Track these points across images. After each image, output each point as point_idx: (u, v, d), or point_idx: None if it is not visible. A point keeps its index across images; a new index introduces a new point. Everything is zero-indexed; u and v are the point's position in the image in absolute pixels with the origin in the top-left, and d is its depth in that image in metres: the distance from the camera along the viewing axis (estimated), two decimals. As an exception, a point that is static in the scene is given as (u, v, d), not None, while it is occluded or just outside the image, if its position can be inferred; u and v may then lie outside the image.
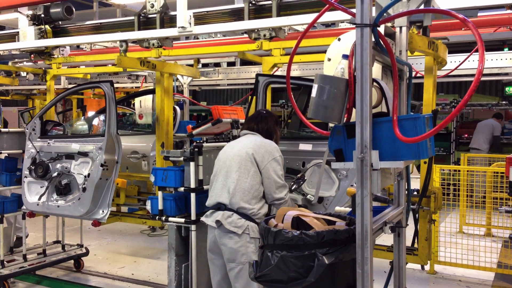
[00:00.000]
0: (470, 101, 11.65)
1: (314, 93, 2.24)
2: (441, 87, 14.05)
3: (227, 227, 3.33)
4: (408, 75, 2.81)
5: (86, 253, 6.04)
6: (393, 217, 2.64)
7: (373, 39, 2.20)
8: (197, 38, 7.79)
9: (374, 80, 2.31)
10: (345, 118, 2.30)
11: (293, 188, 4.05)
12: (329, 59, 2.78)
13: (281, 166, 3.49)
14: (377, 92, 2.35)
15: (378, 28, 2.38)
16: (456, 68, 6.45)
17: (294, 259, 2.32)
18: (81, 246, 6.03)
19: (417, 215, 3.96)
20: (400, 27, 2.80)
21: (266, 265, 2.41)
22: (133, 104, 7.87)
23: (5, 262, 5.28)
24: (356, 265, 2.22)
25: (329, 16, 3.31)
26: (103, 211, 4.92)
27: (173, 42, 5.31)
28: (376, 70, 2.64)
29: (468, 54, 6.55)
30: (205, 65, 9.01)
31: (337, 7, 2.42)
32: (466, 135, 11.28)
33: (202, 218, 3.61)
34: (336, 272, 2.36)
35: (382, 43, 2.27)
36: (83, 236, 6.15)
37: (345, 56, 2.24)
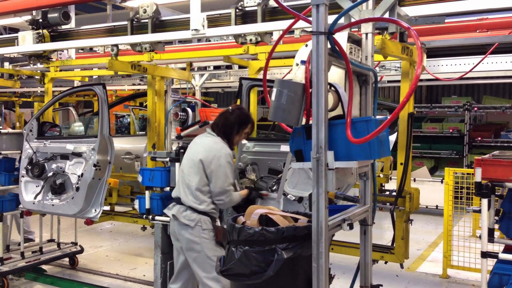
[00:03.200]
0: (484, 104, 11.58)
1: (273, 96, 2.37)
2: (454, 90, 14.03)
3: (181, 221, 3.68)
4: (373, 80, 2.94)
5: (81, 251, 6.20)
6: (356, 215, 2.75)
7: (329, 46, 2.33)
8: (209, 41, 7.91)
9: (331, 84, 2.44)
10: (304, 120, 2.43)
11: (273, 188, 4.20)
12: (297, 64, 2.91)
13: (228, 170, 3.65)
14: (333, 96, 2.47)
15: (338, 35, 2.51)
16: (470, 71, 6.50)
17: (256, 253, 2.45)
18: (75, 244, 6.19)
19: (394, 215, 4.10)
20: (366, 34, 2.93)
21: (230, 259, 2.54)
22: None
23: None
24: (312, 260, 2.35)
25: (300, 24, 3.44)
26: (95, 210, 5.07)
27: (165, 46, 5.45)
28: (339, 75, 2.76)
29: (483, 56, 6.59)
30: (216, 68, 9.14)
31: (303, 18, 2.55)
32: (479, 138, 11.00)
33: (165, 210, 3.88)
34: (296, 266, 2.48)
35: (338, 49, 2.39)
36: (96, 237, 6.17)
37: (302, 62, 2.37)
